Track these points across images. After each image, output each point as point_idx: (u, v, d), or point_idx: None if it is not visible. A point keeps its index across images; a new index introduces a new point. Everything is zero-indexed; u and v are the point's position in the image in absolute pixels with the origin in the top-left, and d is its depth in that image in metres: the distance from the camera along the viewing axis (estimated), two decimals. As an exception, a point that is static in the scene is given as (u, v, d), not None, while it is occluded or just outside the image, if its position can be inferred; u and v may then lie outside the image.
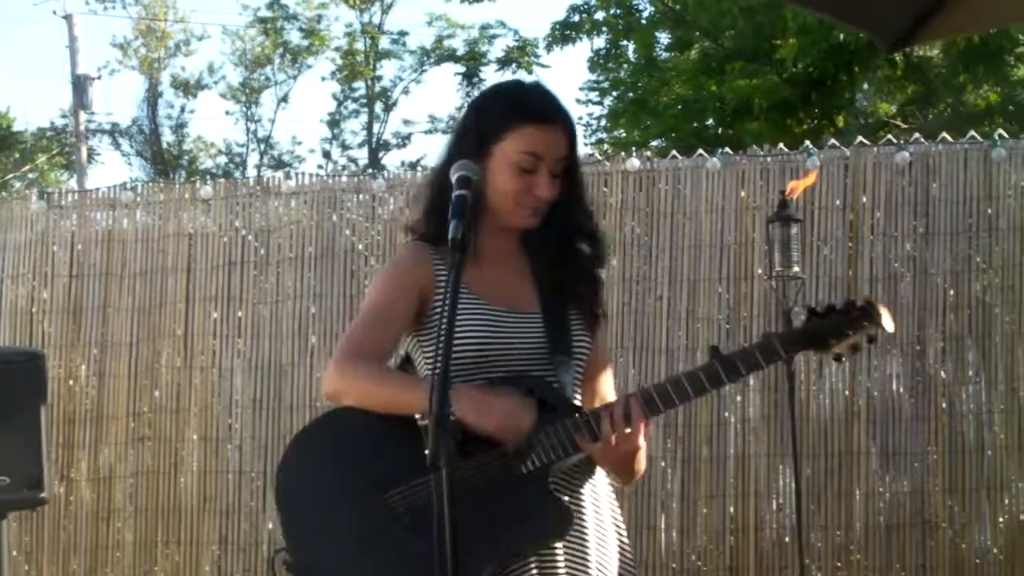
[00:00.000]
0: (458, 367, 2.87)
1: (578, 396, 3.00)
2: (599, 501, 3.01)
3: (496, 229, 3.00)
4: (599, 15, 16.49)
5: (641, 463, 2.95)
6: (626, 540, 3.09)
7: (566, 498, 2.90)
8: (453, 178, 2.69)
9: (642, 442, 2.84)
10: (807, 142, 7.65)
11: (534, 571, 2.86)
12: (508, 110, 2.96)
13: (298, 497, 2.96)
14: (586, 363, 3.03)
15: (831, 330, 2.82)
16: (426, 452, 2.40)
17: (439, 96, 65.46)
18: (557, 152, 2.94)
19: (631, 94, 16.65)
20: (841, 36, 12.76)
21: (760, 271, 7.01)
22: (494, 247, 2.99)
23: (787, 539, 6.91)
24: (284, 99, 30.92)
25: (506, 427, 2.79)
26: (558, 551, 2.88)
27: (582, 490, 2.96)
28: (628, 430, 2.80)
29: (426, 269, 2.97)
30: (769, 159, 7.25)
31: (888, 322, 2.81)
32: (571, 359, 2.97)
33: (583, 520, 2.94)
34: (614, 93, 17.26)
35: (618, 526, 3.07)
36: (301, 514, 2.94)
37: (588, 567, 2.92)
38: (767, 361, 2.84)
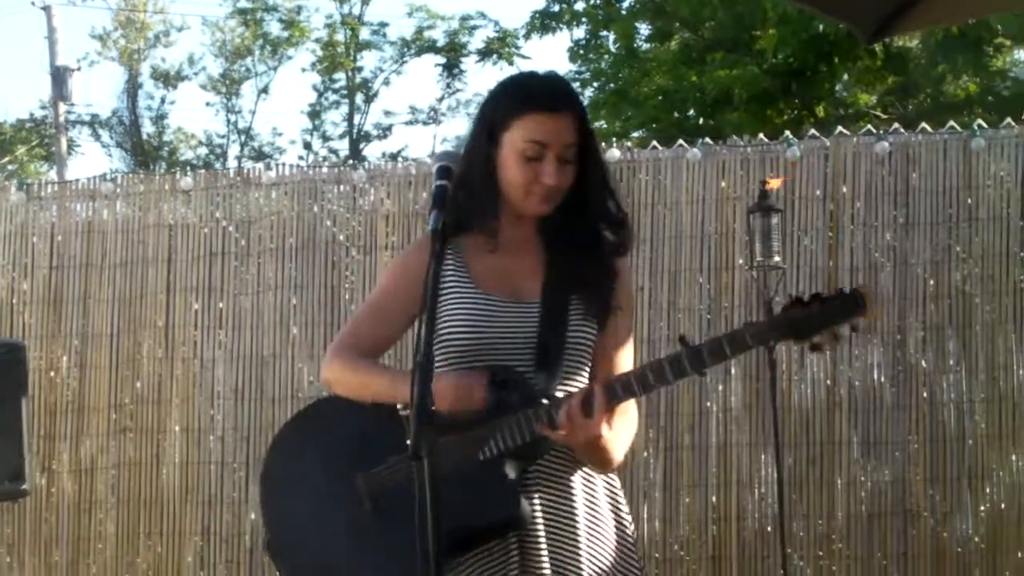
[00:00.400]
0: (448, 354, 2.95)
1: (573, 386, 2.97)
2: (595, 490, 3.02)
3: (514, 217, 3.03)
4: (579, 5, 16.45)
5: (611, 453, 2.92)
6: (628, 529, 3.08)
7: (553, 487, 2.93)
8: (433, 169, 2.75)
9: (605, 431, 2.83)
10: (787, 132, 7.66)
11: (515, 565, 2.88)
12: (513, 100, 2.99)
13: (281, 480, 3.07)
14: (589, 353, 3.02)
15: (814, 320, 2.79)
16: (407, 442, 2.43)
17: (420, 87, 65.48)
18: (564, 139, 2.95)
19: (611, 85, 16.60)
20: (821, 27, 12.75)
21: (741, 261, 7.02)
22: (513, 235, 3.04)
23: (769, 528, 6.93)
24: (264, 90, 30.79)
25: (454, 401, 2.84)
26: (541, 540, 2.88)
27: (572, 479, 2.97)
28: (588, 418, 2.80)
29: None
30: (749, 149, 7.26)
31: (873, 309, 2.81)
32: (562, 351, 2.96)
33: (573, 509, 2.95)
34: (595, 84, 17.20)
35: (619, 515, 3.07)
36: (279, 495, 3.07)
37: (579, 556, 2.92)
38: (734, 352, 2.84)
